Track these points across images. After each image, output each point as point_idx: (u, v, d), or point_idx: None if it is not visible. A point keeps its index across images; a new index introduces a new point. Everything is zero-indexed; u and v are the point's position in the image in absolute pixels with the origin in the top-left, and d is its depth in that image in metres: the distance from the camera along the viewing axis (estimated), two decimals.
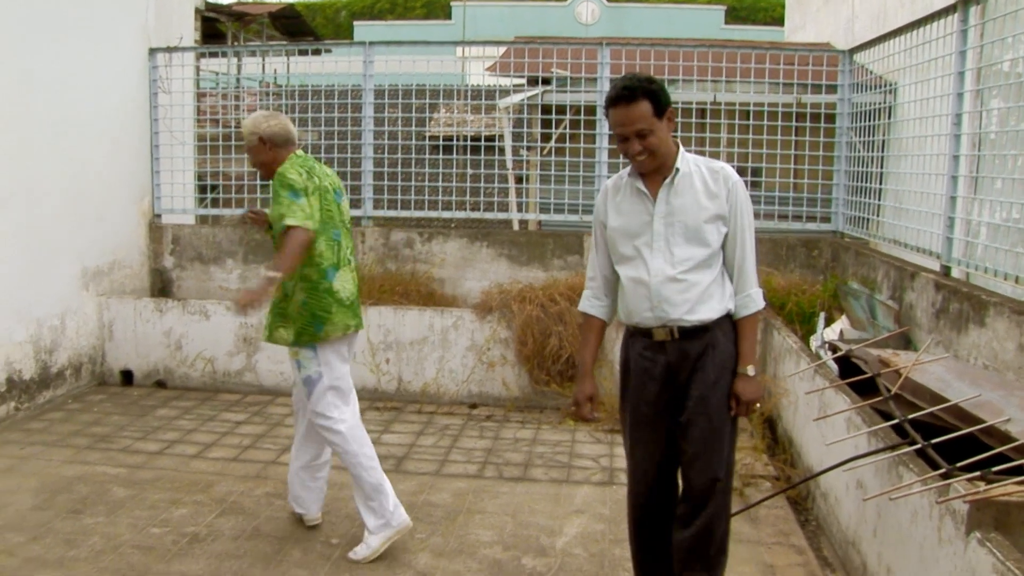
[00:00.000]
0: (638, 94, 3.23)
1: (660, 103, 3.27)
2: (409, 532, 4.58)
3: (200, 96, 8.95)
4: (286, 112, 9.40)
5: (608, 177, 7.73)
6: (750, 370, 3.45)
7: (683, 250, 3.37)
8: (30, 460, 5.67)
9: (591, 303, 3.69)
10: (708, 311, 3.39)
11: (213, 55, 9.60)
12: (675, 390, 3.45)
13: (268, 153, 4.42)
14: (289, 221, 4.18)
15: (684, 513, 3.50)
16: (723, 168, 3.43)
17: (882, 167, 6.97)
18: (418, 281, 7.70)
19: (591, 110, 8.03)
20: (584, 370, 3.65)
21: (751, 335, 3.50)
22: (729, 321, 3.47)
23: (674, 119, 3.39)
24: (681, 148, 3.44)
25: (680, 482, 3.57)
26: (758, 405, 3.52)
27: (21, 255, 6.55)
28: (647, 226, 3.42)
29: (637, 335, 3.54)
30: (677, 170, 3.38)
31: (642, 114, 3.25)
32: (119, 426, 6.39)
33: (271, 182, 4.35)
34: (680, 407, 3.45)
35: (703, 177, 3.40)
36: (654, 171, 3.41)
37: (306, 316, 4.37)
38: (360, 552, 4.39)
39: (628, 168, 3.51)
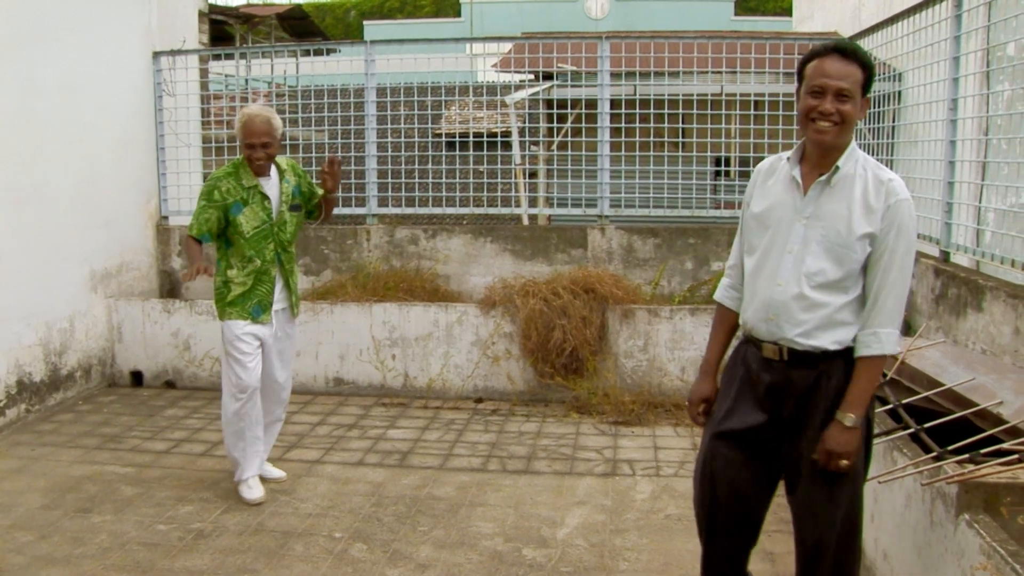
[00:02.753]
0: (855, 56, 2.86)
1: (870, 81, 2.89)
2: (412, 525, 4.71)
3: (211, 98, 9.00)
4: (293, 112, 9.45)
5: (609, 171, 7.79)
6: (848, 419, 2.88)
7: (817, 261, 2.91)
8: (40, 461, 5.74)
9: (728, 293, 3.30)
10: (828, 339, 2.93)
11: (217, 58, 9.66)
12: (778, 419, 3.03)
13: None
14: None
15: (797, 568, 3.16)
16: (891, 181, 2.90)
17: (891, 154, 6.95)
18: (423, 278, 7.73)
19: (594, 104, 8.02)
20: (706, 367, 3.29)
21: (865, 380, 2.92)
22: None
23: (866, 111, 3.00)
24: (853, 144, 2.96)
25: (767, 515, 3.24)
26: (845, 463, 2.89)
27: (30, 259, 6.62)
28: (788, 223, 2.99)
29: (749, 342, 3.13)
30: (837, 168, 2.92)
31: (851, 75, 2.84)
32: (128, 426, 6.46)
33: (287, 175, 5.14)
34: (780, 443, 3.05)
35: (866, 185, 2.90)
36: (816, 163, 2.96)
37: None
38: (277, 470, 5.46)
39: (790, 151, 3.09)
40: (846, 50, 2.86)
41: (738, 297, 3.23)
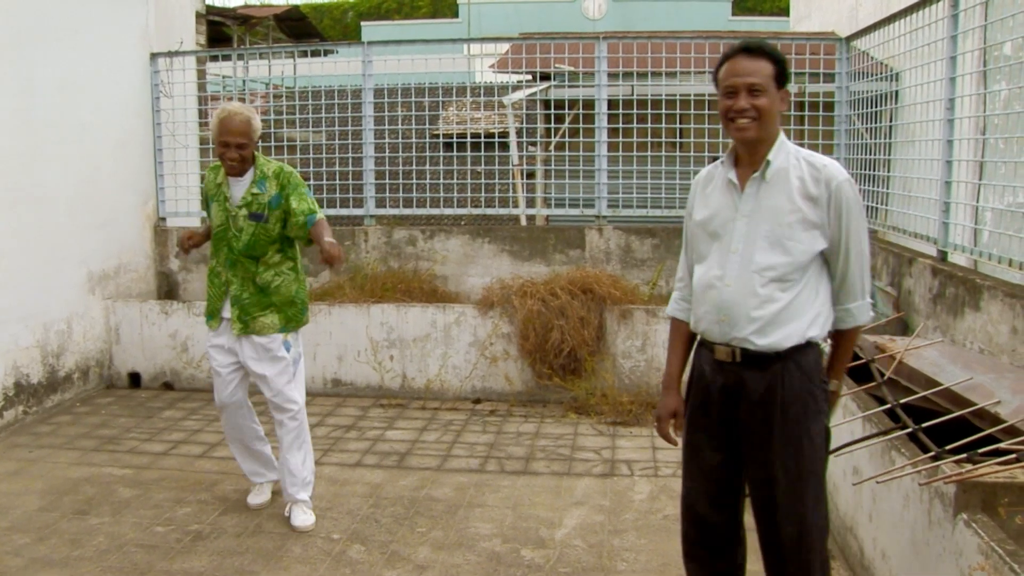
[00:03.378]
0: (761, 51, 2.91)
1: (782, 72, 2.92)
2: (410, 527, 4.70)
3: (208, 100, 9.00)
4: (291, 113, 9.45)
5: (607, 171, 7.79)
6: (832, 385, 3.08)
7: (765, 257, 2.92)
8: (38, 463, 5.74)
9: (679, 306, 3.30)
10: (783, 336, 2.92)
11: (214, 59, 9.66)
12: (734, 422, 3.04)
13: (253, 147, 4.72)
14: (320, 214, 4.73)
15: (766, 570, 3.13)
16: (827, 166, 2.92)
17: (888, 154, 6.96)
18: (421, 278, 7.74)
19: (592, 104, 8.02)
20: (668, 382, 3.28)
21: (844, 350, 3.11)
22: (812, 352, 2.98)
23: (788, 102, 3.00)
24: (782, 137, 2.99)
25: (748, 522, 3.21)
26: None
27: (27, 261, 6.62)
28: (730, 224, 3.00)
29: (703, 347, 3.14)
30: (768, 162, 2.93)
31: (760, 69, 2.88)
32: (126, 428, 6.46)
33: (267, 182, 4.69)
34: (739, 446, 3.06)
35: (801, 174, 2.92)
36: (748, 161, 2.99)
37: (299, 303, 4.88)
38: (308, 520, 4.78)
39: (724, 155, 3.11)
40: (752, 47, 2.91)
41: (689, 308, 3.22)
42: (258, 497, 5.06)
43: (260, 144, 4.82)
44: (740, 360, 2.97)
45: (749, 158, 2.99)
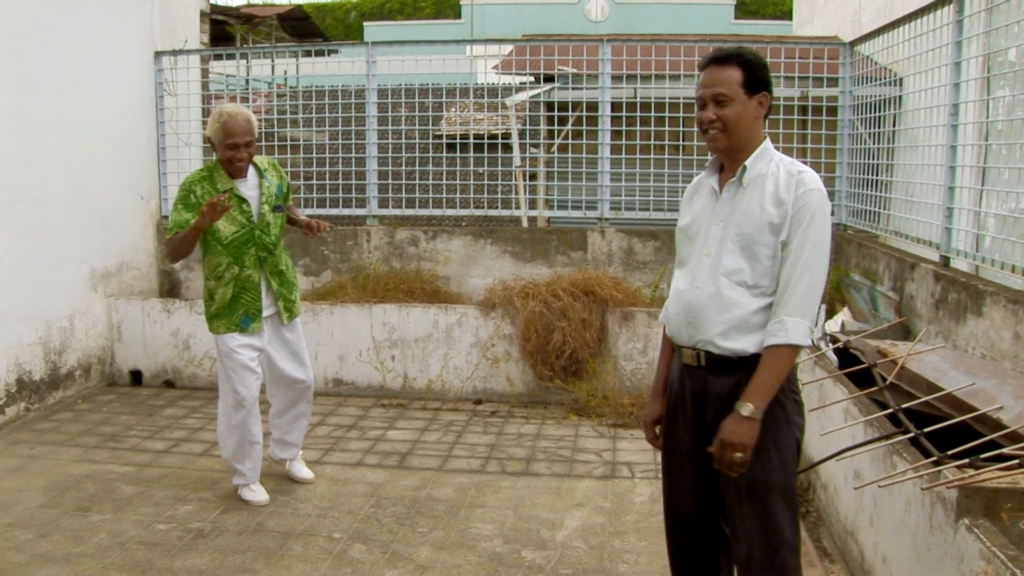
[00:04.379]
0: (731, 59, 2.88)
1: (754, 78, 2.89)
2: (411, 527, 4.73)
3: (211, 98, 9.01)
4: (294, 113, 9.45)
5: (609, 173, 7.80)
6: (745, 408, 2.78)
7: (734, 260, 2.91)
8: (39, 459, 5.74)
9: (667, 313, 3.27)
10: (747, 342, 2.89)
11: (218, 58, 9.67)
12: (704, 427, 2.99)
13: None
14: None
15: None
16: (801, 172, 2.89)
17: (891, 159, 6.96)
18: (423, 279, 7.75)
19: (595, 107, 8.03)
20: (655, 388, 3.27)
21: (767, 369, 2.82)
22: None
23: (767, 106, 2.97)
24: (766, 144, 2.97)
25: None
26: (739, 455, 2.78)
27: (30, 258, 6.62)
28: (706, 228, 3.01)
29: (677, 351, 3.12)
30: (744, 168, 2.92)
31: (727, 79, 2.86)
32: (127, 425, 6.46)
33: (267, 173, 4.95)
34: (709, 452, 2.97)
35: (777, 180, 2.90)
36: (730, 167, 2.99)
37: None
38: (311, 473, 5.37)
39: (709, 162, 3.12)
40: (721, 57, 2.91)
41: None
42: (257, 495, 5.07)
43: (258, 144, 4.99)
44: (705, 364, 2.97)
45: (730, 165, 3.00)
